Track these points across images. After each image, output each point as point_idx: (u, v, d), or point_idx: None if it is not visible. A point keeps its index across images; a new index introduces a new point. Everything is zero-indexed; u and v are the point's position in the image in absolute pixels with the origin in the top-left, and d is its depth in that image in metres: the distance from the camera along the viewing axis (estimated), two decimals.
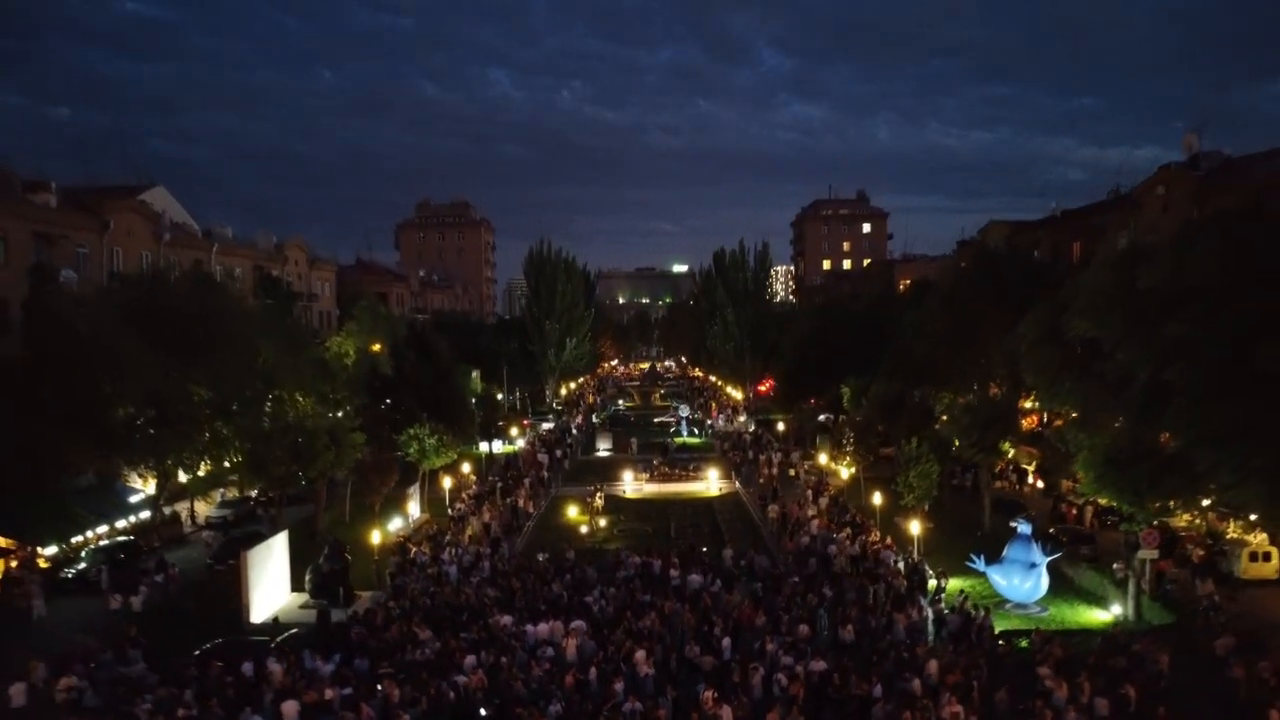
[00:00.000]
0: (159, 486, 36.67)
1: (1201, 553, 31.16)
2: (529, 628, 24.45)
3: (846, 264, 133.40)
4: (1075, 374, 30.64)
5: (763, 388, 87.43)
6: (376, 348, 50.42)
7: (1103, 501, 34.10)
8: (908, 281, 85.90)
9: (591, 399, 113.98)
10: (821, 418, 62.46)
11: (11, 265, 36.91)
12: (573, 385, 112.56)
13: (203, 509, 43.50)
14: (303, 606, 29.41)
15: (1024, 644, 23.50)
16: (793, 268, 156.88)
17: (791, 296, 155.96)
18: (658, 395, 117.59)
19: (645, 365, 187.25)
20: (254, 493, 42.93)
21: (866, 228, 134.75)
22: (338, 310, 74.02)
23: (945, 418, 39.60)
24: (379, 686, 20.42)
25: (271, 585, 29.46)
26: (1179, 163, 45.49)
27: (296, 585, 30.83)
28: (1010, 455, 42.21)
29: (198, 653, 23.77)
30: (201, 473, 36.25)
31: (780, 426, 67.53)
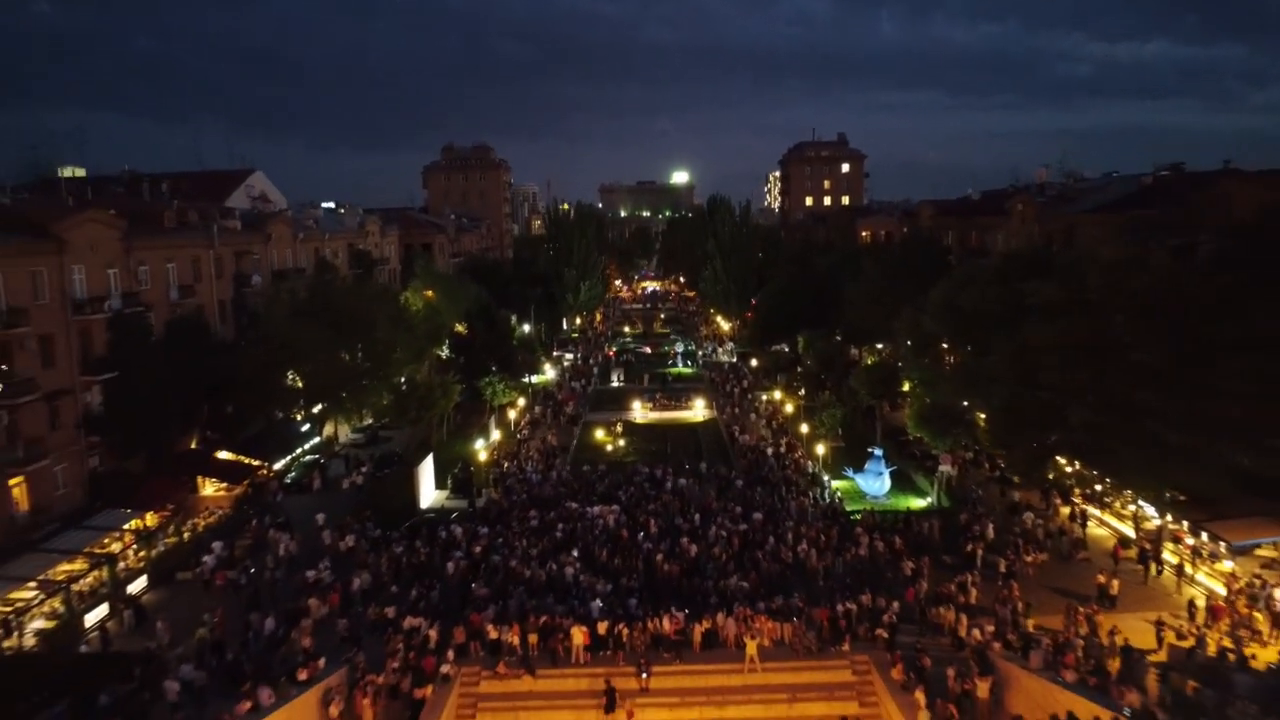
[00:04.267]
0: (327, 426, 55.77)
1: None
2: (588, 509, 43.73)
3: (827, 200, 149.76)
4: (921, 356, 49.36)
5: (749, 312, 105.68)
6: (429, 294, 69.45)
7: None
8: (868, 234, 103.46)
9: (601, 325, 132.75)
10: (784, 347, 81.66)
11: (224, 276, 54.80)
12: (586, 317, 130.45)
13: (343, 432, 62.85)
14: (447, 499, 48.91)
15: (858, 516, 42.79)
16: (779, 202, 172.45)
17: (780, 213, 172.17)
18: (659, 321, 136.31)
19: (647, 285, 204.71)
20: (371, 422, 62.09)
21: (845, 168, 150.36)
22: (400, 266, 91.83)
23: (854, 374, 58.49)
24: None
25: (428, 487, 48.87)
26: (1033, 185, 62.86)
27: (439, 486, 50.26)
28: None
29: (408, 524, 43.03)
30: (358, 421, 55.28)
31: (754, 362, 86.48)
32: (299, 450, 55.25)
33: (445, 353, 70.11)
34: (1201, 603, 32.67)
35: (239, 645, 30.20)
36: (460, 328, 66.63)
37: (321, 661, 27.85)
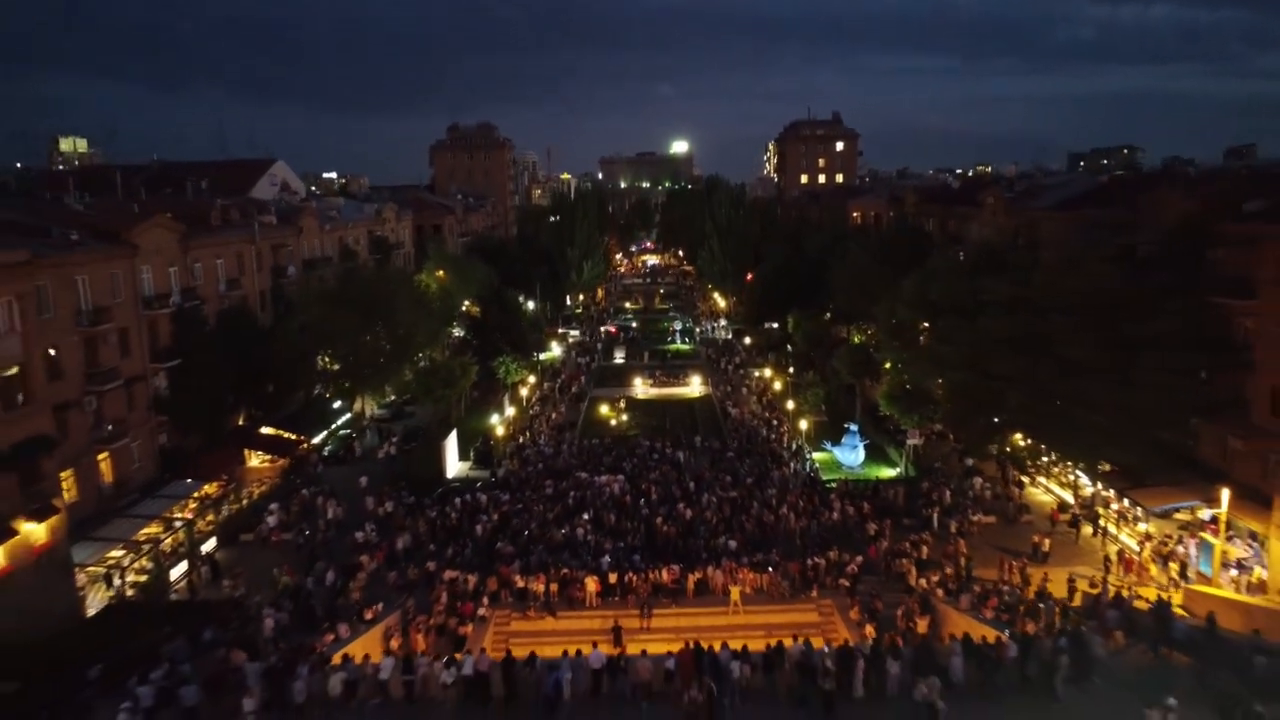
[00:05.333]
0: (355, 403, 61.53)
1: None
2: (596, 478, 49.58)
3: (822, 178, 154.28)
4: (895, 341, 54.91)
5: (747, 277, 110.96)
6: (440, 274, 75.08)
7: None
8: (858, 214, 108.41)
9: (603, 301, 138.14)
10: (775, 325, 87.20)
11: (263, 269, 60.18)
12: (589, 294, 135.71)
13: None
14: (471, 469, 54.80)
15: (833, 485, 48.67)
16: (776, 178, 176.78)
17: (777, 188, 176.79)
18: (659, 297, 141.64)
19: (647, 259, 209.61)
20: (394, 398, 67.86)
21: (839, 146, 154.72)
22: (413, 249, 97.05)
23: (836, 354, 64.13)
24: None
25: (453, 459, 54.76)
26: (1005, 178, 67.95)
27: (463, 458, 56.16)
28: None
29: (439, 492, 48.91)
30: (384, 398, 61.01)
31: (747, 340, 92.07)
32: (334, 425, 61.06)
33: (460, 332, 75.75)
34: (1116, 557, 38.62)
35: (306, 593, 36.14)
36: (472, 307, 72.24)
37: (380, 605, 33.80)
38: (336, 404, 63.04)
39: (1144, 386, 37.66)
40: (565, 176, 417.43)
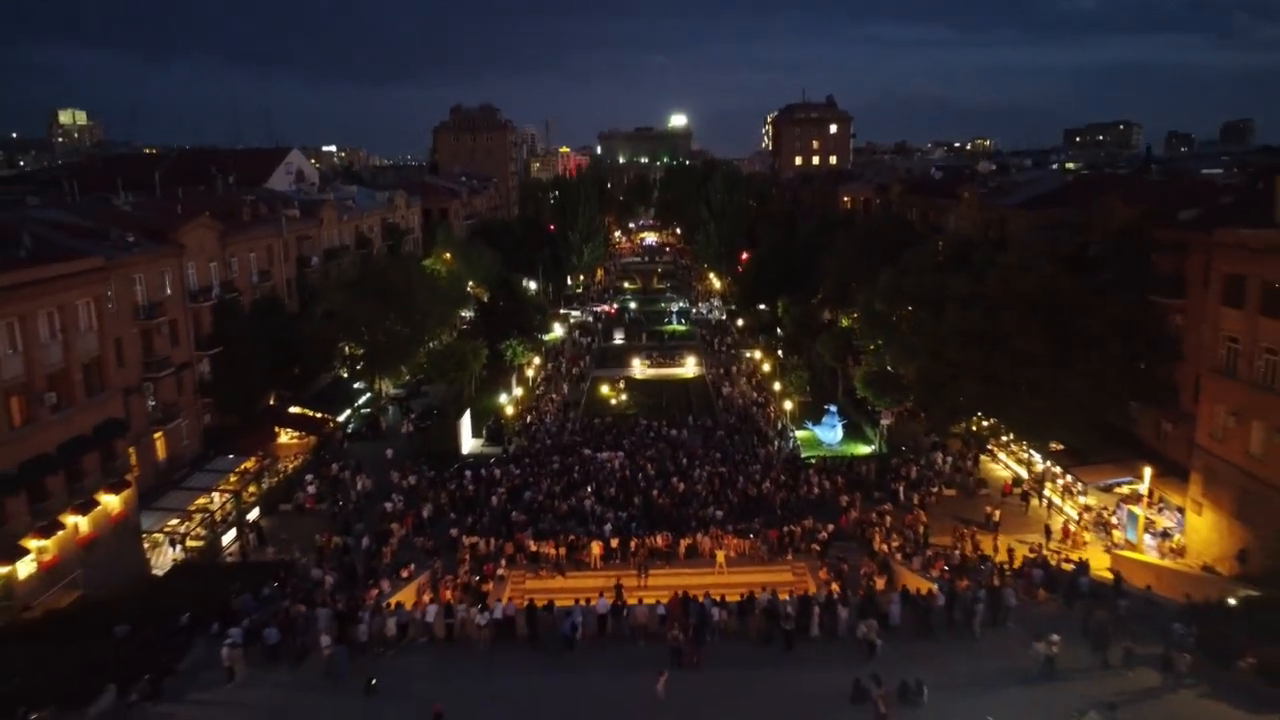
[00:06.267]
0: (374, 384, 66.59)
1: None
2: (598, 454, 54.75)
3: (815, 160, 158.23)
4: (873, 328, 59.88)
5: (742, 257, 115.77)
6: (448, 257, 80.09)
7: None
8: (849, 200, 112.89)
9: (602, 280, 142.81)
10: (763, 307, 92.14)
11: (289, 260, 64.92)
12: (589, 276, 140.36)
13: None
14: (482, 446, 59.99)
15: (812, 461, 53.88)
16: (772, 161, 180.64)
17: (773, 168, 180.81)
18: (656, 277, 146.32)
19: (645, 237, 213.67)
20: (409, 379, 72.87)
21: (833, 129, 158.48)
22: (421, 234, 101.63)
23: (819, 339, 69.14)
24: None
25: (467, 436, 59.92)
26: (980, 175, 72.56)
27: (475, 435, 61.32)
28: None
29: (455, 466, 54.08)
30: (400, 379, 66.03)
31: (740, 322, 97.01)
32: (356, 404, 66.16)
33: (470, 313, 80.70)
34: (1057, 526, 43.95)
35: (349, 555, 41.39)
36: (479, 289, 77.32)
37: (413, 566, 39.05)
38: (357, 384, 68.06)
39: (1084, 375, 42.73)
40: (564, 150, 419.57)
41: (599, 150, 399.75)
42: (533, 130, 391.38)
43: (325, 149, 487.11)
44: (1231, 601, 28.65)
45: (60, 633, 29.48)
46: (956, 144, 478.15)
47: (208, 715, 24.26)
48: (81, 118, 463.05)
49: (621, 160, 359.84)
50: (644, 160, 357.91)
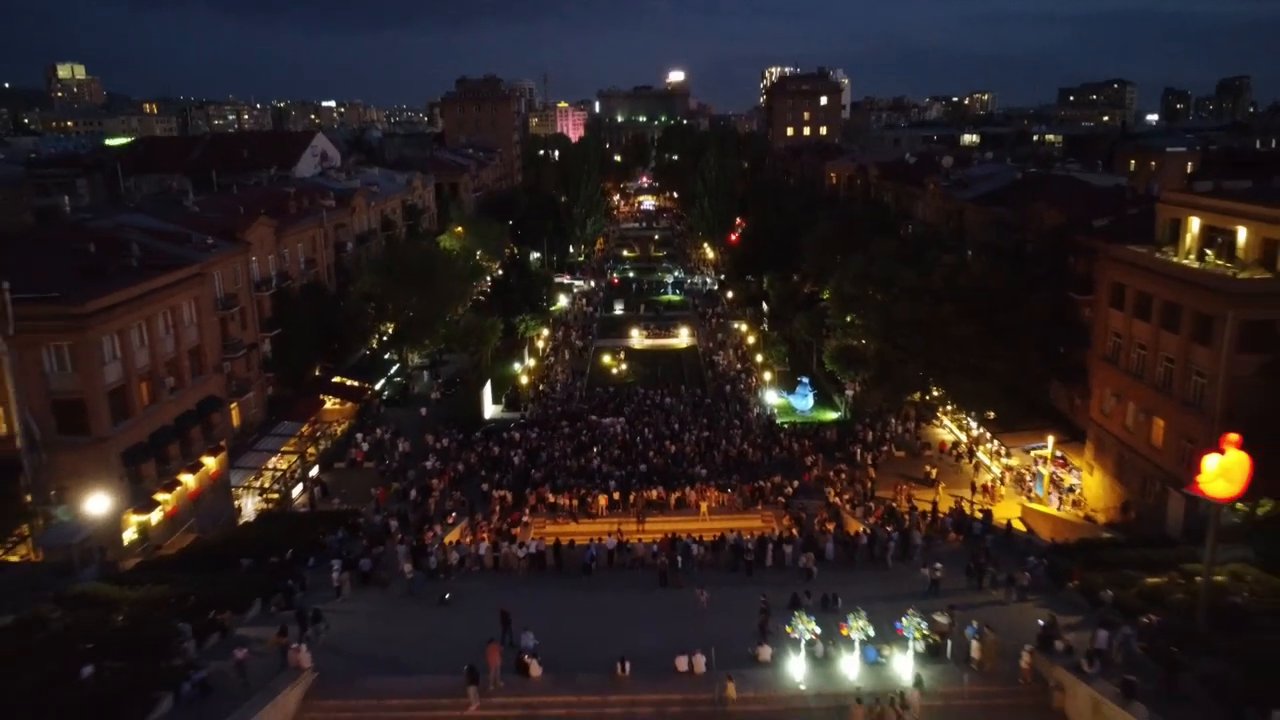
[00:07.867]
0: (403, 356, 75.64)
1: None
2: (602, 420, 63.95)
3: (807, 130, 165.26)
4: (843, 308, 68.71)
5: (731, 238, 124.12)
6: (459, 230, 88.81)
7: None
8: (835, 175, 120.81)
9: (601, 250, 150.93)
10: (750, 278, 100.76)
11: (328, 246, 73.42)
12: (589, 246, 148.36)
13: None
14: (502, 412, 69.23)
15: (785, 426, 63.13)
16: (767, 132, 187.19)
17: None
18: (654, 244, 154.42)
19: (643, 200, 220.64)
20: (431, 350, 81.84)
21: (824, 100, 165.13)
22: (435, 209, 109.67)
23: (799, 316, 78.05)
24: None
25: (488, 402, 69.12)
26: (944, 169, 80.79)
27: (495, 402, 70.53)
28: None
29: (480, 430, 63.30)
30: (425, 350, 75.09)
31: (730, 295, 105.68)
32: (389, 373, 75.29)
33: (485, 288, 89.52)
34: (980, 483, 53.40)
35: (404, 505, 50.76)
36: (492, 263, 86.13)
37: (454, 514, 48.48)
38: (386, 355, 77.09)
39: (1008, 360, 51.83)
40: (562, 105, 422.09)
41: (598, 108, 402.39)
42: (530, 84, 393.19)
43: (325, 104, 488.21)
44: (1072, 541, 38.29)
45: (198, 564, 38.88)
46: (955, 98, 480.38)
47: (329, 620, 33.69)
48: (80, 71, 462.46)
49: (620, 119, 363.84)
50: (642, 119, 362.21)
